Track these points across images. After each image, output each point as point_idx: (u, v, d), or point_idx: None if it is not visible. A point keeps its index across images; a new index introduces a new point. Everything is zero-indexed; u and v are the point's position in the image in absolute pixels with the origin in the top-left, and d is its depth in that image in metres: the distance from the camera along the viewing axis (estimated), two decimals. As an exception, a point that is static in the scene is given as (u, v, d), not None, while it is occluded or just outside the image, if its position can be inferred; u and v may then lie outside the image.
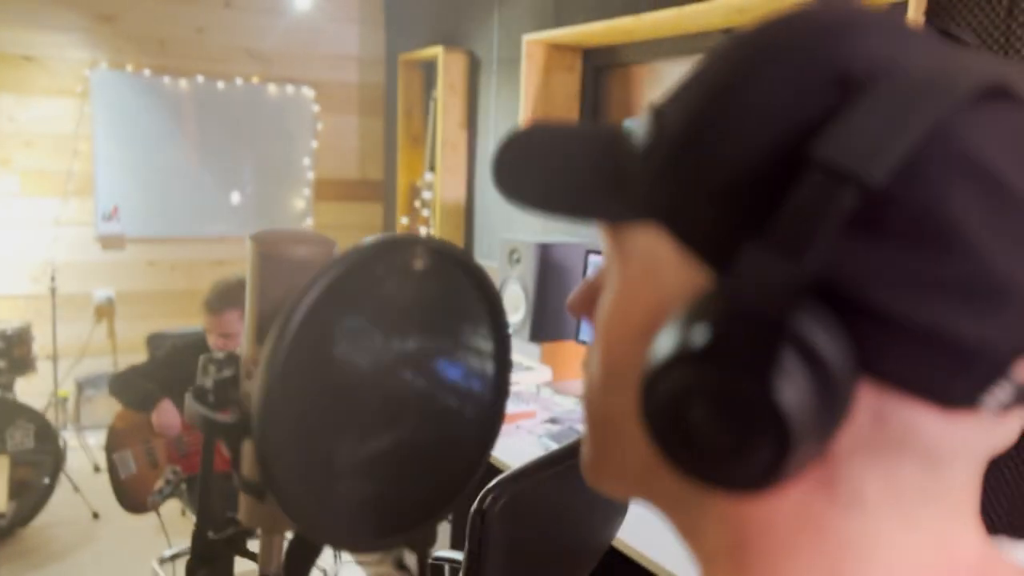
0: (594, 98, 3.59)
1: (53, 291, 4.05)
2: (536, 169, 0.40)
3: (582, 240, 3.18)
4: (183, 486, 2.78)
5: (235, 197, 4.63)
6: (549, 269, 3.01)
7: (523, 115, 3.51)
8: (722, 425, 0.29)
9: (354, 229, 5.02)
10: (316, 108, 4.79)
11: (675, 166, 0.34)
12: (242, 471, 0.61)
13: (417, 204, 4.52)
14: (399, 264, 0.51)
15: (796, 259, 0.28)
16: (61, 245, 4.31)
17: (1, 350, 3.40)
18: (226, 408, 0.63)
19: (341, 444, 0.52)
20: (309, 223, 4.84)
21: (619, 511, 1.14)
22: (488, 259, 3.85)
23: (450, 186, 4.15)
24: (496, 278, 3.27)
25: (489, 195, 4.02)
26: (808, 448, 0.29)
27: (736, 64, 0.33)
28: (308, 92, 4.75)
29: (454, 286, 0.55)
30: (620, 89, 3.51)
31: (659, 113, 0.36)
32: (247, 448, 0.61)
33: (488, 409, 0.59)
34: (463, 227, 4.21)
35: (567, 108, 3.59)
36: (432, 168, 4.36)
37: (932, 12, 2.08)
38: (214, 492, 2.66)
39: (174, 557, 3.13)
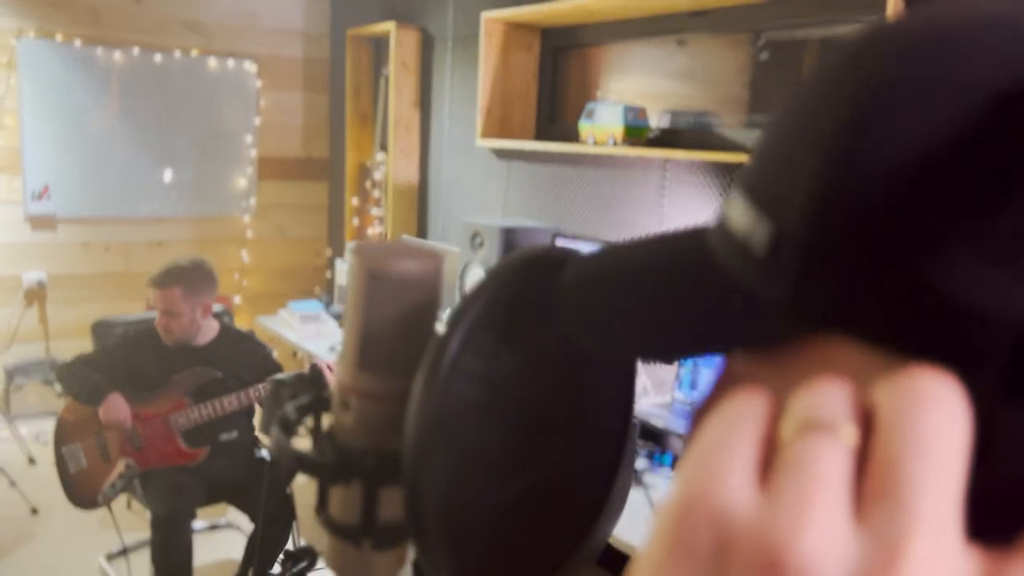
0: (552, 80, 3.55)
1: (-20, 274, 3.82)
2: (629, 318, 0.36)
3: (547, 223, 3.15)
4: (135, 480, 2.66)
5: (173, 175, 4.44)
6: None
7: (481, 95, 3.45)
8: None
9: (299, 209, 4.88)
10: (259, 83, 4.62)
11: (828, 256, 0.27)
12: (331, 512, 0.56)
13: (367, 185, 4.41)
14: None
15: None
16: (-14, 225, 4.07)
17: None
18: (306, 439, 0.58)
19: (488, 487, 0.48)
20: (252, 202, 4.68)
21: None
22: (445, 242, 3.79)
23: (403, 167, 4.06)
24: (458, 262, 3.22)
25: (444, 176, 3.95)
26: None
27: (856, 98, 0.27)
28: (250, 66, 4.58)
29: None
30: (578, 71, 3.48)
31: (759, 197, 0.30)
32: (339, 488, 0.56)
33: (614, 444, 0.56)
34: (416, 209, 4.13)
35: (525, 89, 3.54)
36: (383, 148, 4.27)
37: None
38: (164, 485, 2.55)
39: (123, 552, 3.00)
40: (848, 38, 0.31)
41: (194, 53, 4.41)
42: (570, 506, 0.54)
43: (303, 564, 0.63)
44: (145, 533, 2.84)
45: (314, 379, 0.64)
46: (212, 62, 4.46)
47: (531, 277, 0.47)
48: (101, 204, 4.28)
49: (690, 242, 0.36)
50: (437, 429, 0.44)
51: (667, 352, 0.35)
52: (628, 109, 2.81)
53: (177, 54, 4.36)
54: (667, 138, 2.86)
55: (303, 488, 3.55)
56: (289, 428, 0.57)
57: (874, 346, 0.27)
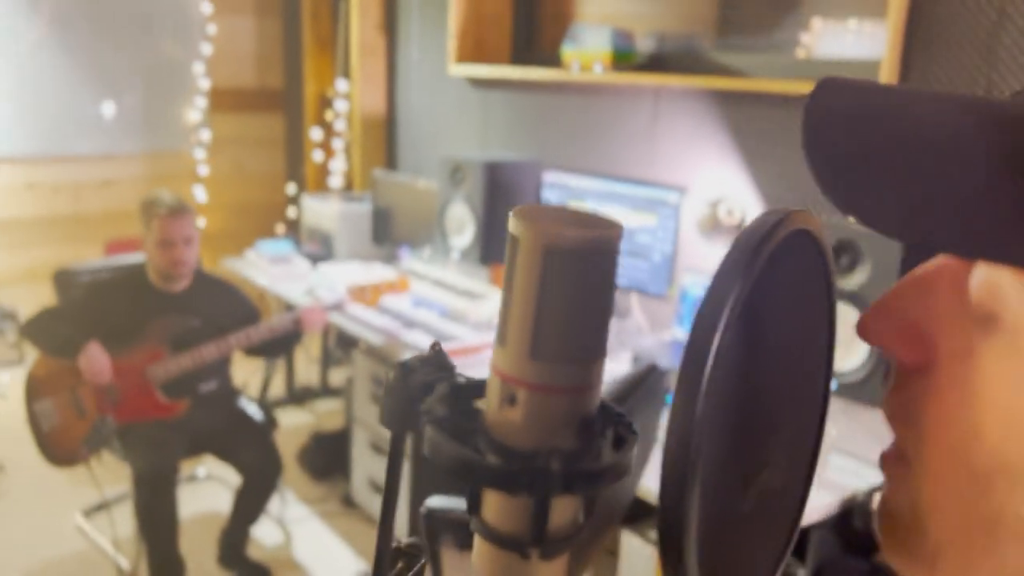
0: (528, 3, 3.38)
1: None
2: (903, 181, 0.31)
3: (532, 158, 3.04)
4: (113, 436, 2.54)
5: (118, 110, 4.17)
6: (498, 188, 2.86)
7: (452, 19, 3.28)
8: None
9: (255, 143, 4.66)
10: (207, 8, 4.33)
11: None
12: (485, 517, 0.48)
13: (329, 116, 4.22)
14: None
15: None
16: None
17: None
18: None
19: (733, 498, 0.41)
20: (206, 136, 4.45)
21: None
22: (419, 177, 3.65)
23: (369, 96, 3.88)
24: (436, 198, 3.10)
25: (414, 106, 3.78)
26: None
27: None
28: (197, -10, 4.28)
29: (809, 268, 0.45)
30: (554, -8, 3.32)
31: None
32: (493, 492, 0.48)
33: (815, 431, 0.49)
34: (385, 141, 3.97)
35: (498, 13, 3.38)
36: (346, 76, 4.06)
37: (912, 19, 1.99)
38: (144, 440, 2.44)
39: (101, 507, 2.90)
40: None
41: (136, -24, 4.10)
42: (783, 505, 0.48)
43: (417, 562, 0.55)
44: (122, 486, 2.74)
45: (441, 361, 0.55)
46: (156, -14, 4.16)
47: (774, 252, 0.39)
48: (44, 142, 4.01)
49: (985, 115, 0.32)
50: (701, 440, 0.36)
51: (920, 228, 0.31)
52: (616, 33, 2.69)
53: (117, -23, 4.05)
54: (656, 63, 2.75)
55: (287, 438, 3.46)
56: (445, 427, 0.49)
57: None
